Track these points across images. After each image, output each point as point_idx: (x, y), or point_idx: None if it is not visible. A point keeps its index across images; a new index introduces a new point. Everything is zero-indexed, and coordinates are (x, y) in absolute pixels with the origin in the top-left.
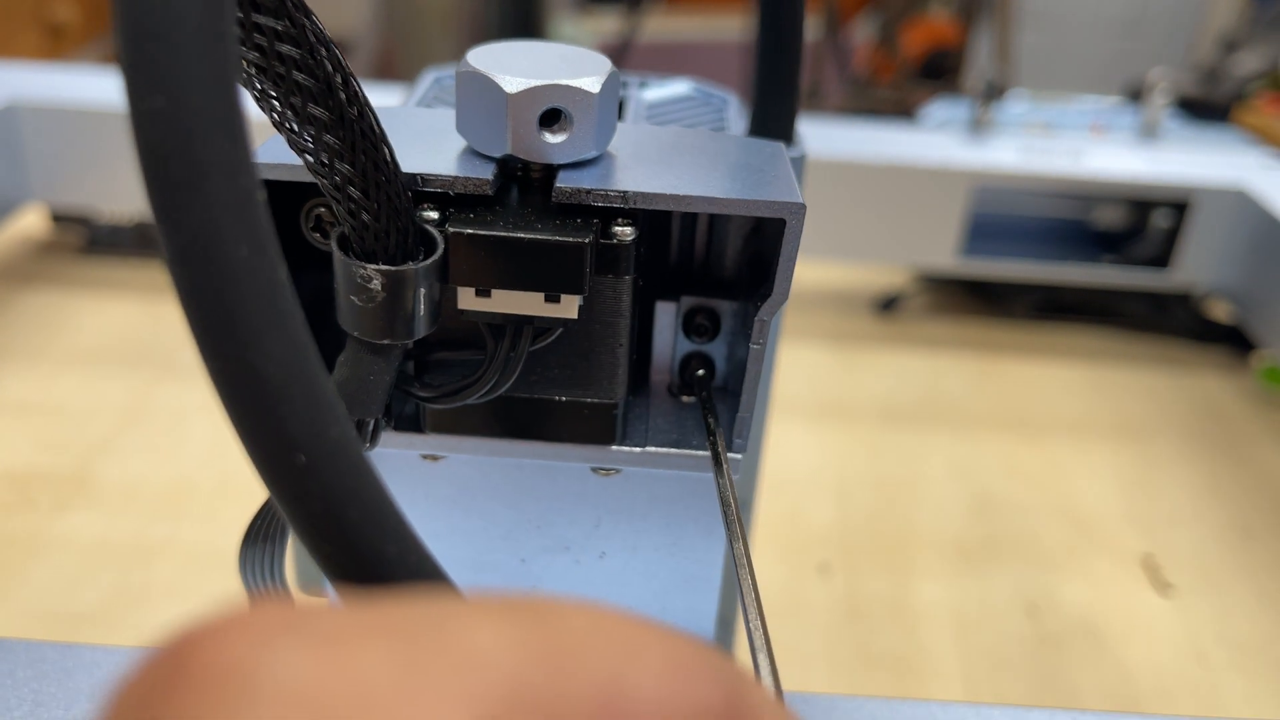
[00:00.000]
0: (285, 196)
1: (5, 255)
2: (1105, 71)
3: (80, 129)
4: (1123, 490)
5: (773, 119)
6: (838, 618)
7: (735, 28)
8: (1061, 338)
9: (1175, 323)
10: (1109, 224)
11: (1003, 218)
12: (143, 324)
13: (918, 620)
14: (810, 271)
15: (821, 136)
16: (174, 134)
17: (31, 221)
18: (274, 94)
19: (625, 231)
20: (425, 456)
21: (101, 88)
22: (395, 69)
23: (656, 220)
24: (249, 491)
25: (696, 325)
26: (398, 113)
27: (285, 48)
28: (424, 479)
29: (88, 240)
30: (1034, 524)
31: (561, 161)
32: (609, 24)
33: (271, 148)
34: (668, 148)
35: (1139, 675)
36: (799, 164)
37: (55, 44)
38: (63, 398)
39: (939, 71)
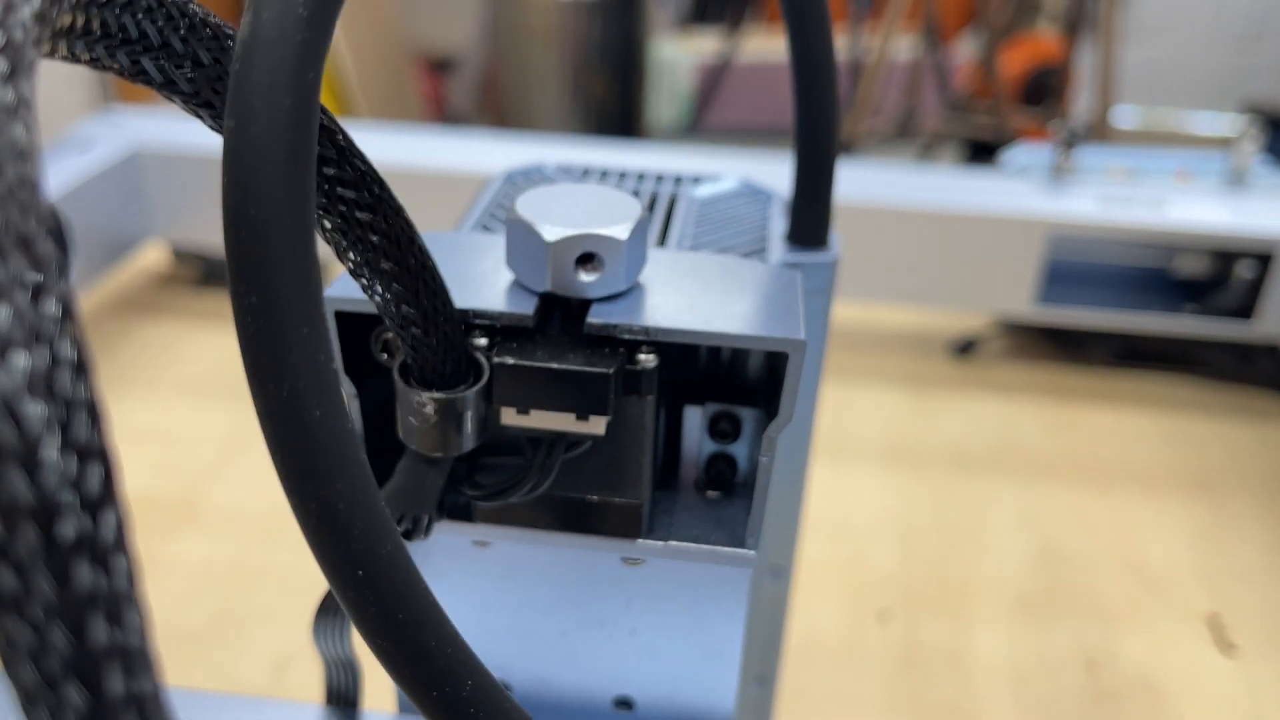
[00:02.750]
0: (359, 322)
1: (128, 287)
2: (1222, 87)
3: (198, 173)
4: (1193, 545)
5: (808, 226)
6: (895, 665)
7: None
8: (1140, 386)
9: (1260, 374)
10: (1191, 273)
11: (1081, 265)
12: None
13: (975, 671)
14: (888, 314)
15: (904, 184)
16: (266, 325)
17: (153, 256)
18: (350, 250)
19: (648, 359)
20: (476, 542)
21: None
22: (498, 86)
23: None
24: None
25: (720, 429)
26: (460, 240)
27: (362, 214)
28: (475, 561)
29: (204, 274)
30: (1099, 577)
31: (595, 296)
32: (708, 44)
33: (346, 282)
34: (692, 277)
35: None
36: (829, 269)
37: None
38: (175, 424)
39: (1042, 93)
